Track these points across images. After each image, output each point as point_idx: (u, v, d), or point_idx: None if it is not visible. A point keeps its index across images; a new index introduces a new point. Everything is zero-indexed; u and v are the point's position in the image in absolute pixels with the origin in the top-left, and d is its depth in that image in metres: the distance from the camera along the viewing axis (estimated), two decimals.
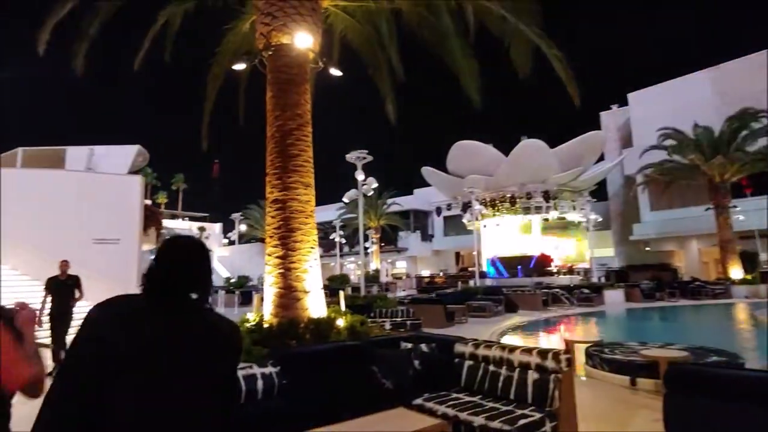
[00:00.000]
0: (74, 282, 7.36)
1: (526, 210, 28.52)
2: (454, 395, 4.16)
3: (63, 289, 7.21)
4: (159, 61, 9.26)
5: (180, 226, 45.93)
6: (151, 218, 16.28)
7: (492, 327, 12.06)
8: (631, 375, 5.80)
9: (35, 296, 7.61)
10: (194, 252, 1.47)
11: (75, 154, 16.57)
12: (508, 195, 28.63)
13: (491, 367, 4.27)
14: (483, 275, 26.76)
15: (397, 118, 10.10)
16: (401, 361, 4.69)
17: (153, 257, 1.48)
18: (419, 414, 3.43)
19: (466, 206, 29.41)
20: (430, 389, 4.28)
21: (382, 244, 39.79)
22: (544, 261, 27.25)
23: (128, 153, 17.14)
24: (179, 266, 1.43)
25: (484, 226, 29.64)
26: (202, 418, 1.34)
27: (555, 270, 26.72)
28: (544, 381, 3.81)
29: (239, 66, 7.57)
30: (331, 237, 33.08)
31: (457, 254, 42.98)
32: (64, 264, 7.37)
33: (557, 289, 19.10)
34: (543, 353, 3.96)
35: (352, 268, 43.03)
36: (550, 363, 3.84)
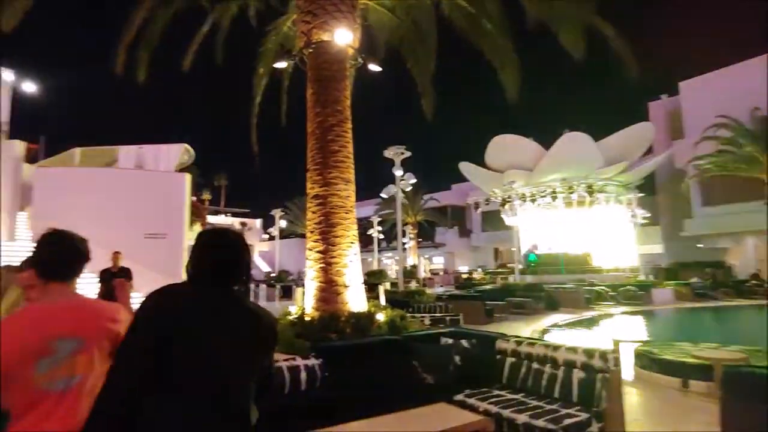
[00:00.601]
0: (125, 274, 7.73)
1: (568, 205, 27.70)
2: (496, 392, 4.12)
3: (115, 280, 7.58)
4: (204, 61, 9.58)
5: (222, 221, 47.44)
6: (196, 214, 16.91)
7: (533, 324, 11.84)
8: (682, 377, 5.56)
9: (91, 287, 8.07)
10: (235, 242, 1.51)
11: (127, 153, 17.38)
12: (549, 190, 27.90)
13: (534, 365, 4.20)
14: (523, 272, 26.23)
15: (435, 112, 10.03)
16: (442, 356, 4.69)
17: (195, 247, 1.50)
18: (461, 410, 3.42)
19: (505, 201, 28.89)
20: (471, 385, 4.25)
21: (420, 240, 39.72)
22: (586, 257, 26.41)
23: (175, 151, 17.81)
24: (223, 256, 1.47)
25: (523, 221, 29.02)
26: (239, 400, 1.38)
27: (599, 267, 25.85)
28: (591, 380, 3.71)
29: (281, 64, 7.72)
30: (368, 232, 33.27)
31: (496, 250, 42.33)
32: (116, 255, 7.74)
33: (601, 287, 18.49)
34: (589, 352, 3.85)
35: (390, 264, 43.19)
36: (596, 362, 3.74)
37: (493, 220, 37.92)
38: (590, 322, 13.50)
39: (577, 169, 26.62)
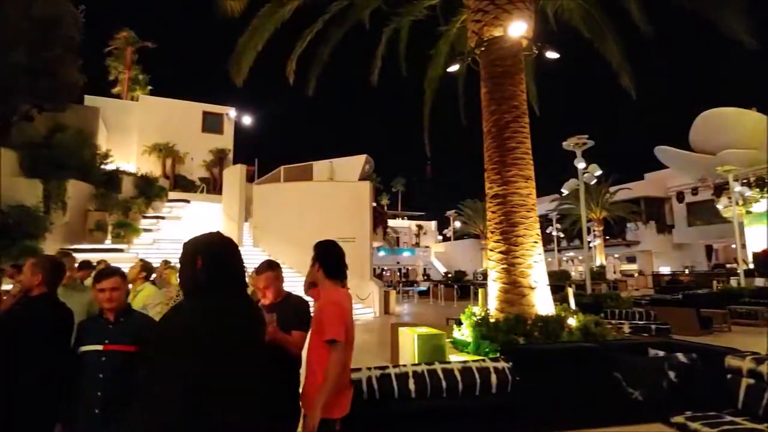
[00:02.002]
0: None
1: None
2: (729, 418, 3.44)
3: None
4: (382, 72, 10.19)
5: (400, 224, 50.22)
6: (378, 218, 18.25)
7: None
8: None
9: (296, 284, 9.35)
10: (236, 246, 1.58)
11: (320, 167, 19.77)
12: None
13: None
14: (749, 273, 21.44)
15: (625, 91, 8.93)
16: (652, 370, 4.11)
17: (206, 258, 1.46)
18: None
19: (721, 189, 24.07)
20: (692, 407, 3.64)
21: (607, 237, 35.78)
22: None
23: (358, 162, 19.55)
24: (238, 262, 1.55)
25: (748, 212, 23.70)
26: (260, 390, 1.46)
27: None
28: None
29: (453, 67, 7.80)
30: (547, 230, 31.37)
31: (709, 248, 35.56)
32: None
33: None
34: None
35: (572, 264, 40.01)
36: None
37: (702, 212, 32.02)
38: None
39: None
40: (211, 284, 1.41)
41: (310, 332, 2.61)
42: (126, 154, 23.28)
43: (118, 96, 28.73)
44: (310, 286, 2.94)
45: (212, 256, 1.46)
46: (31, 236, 11.44)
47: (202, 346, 1.29)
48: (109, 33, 30.55)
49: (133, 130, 24.40)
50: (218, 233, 1.56)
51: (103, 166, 16.86)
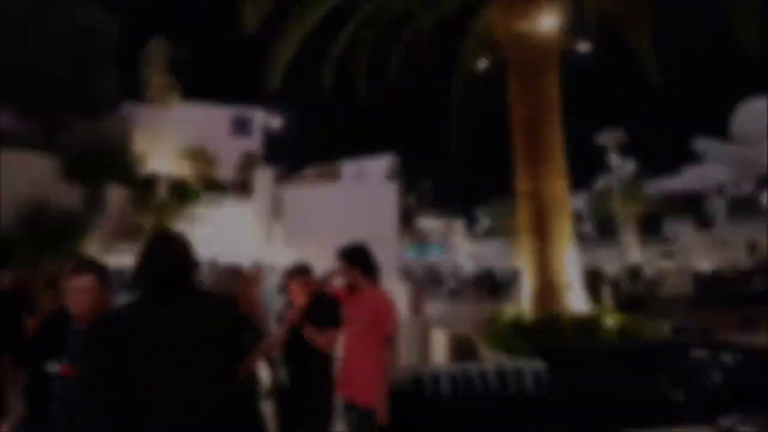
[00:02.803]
0: None
1: None
2: None
3: None
4: (406, 69, 10.12)
5: (427, 223, 49.89)
6: (405, 218, 18.22)
7: None
8: None
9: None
10: (181, 244, 1.58)
11: (347, 167, 19.88)
12: None
13: None
14: None
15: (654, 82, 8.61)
16: (694, 371, 3.97)
17: (146, 253, 1.54)
18: None
19: (764, 183, 23.00)
20: (739, 409, 3.49)
21: (642, 234, 34.63)
22: None
23: (385, 161, 19.57)
24: (174, 258, 1.53)
25: None
26: (205, 393, 1.43)
27: None
28: None
29: (481, 63, 7.67)
30: (580, 228, 30.61)
31: (752, 244, 33.96)
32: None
33: None
34: None
35: (604, 262, 38.94)
36: None
37: (746, 206, 30.61)
38: None
39: None
40: (143, 281, 1.50)
41: (354, 328, 2.65)
42: (160, 159, 23.98)
43: (151, 102, 29.62)
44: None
45: (149, 254, 1.53)
46: (72, 241, 11.93)
47: (116, 347, 1.37)
48: (143, 40, 31.55)
49: (167, 135, 25.12)
50: (166, 231, 1.65)
51: (138, 171, 17.41)
